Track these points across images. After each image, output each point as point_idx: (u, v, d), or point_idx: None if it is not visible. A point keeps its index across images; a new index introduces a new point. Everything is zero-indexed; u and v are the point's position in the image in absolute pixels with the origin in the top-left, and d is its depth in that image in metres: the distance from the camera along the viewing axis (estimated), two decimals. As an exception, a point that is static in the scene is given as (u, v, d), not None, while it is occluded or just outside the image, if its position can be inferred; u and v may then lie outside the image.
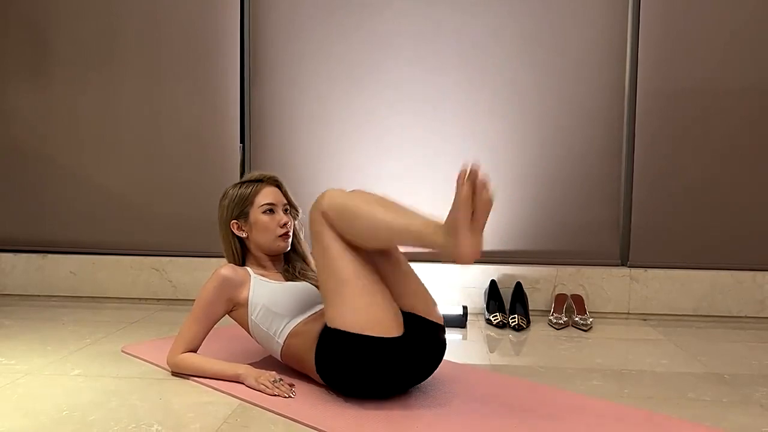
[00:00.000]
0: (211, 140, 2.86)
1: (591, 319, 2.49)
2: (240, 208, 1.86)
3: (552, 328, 2.47)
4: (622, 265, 2.75)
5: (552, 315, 2.53)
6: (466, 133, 2.79)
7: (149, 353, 2.02)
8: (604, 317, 2.65)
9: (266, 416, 1.53)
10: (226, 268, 1.80)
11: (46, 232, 2.94)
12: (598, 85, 2.74)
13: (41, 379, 1.79)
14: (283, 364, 1.80)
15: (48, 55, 2.91)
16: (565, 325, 2.48)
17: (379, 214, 1.51)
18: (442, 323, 1.67)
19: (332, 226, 1.57)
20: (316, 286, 1.83)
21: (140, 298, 2.84)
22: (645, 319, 2.65)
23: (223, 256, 1.92)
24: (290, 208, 1.92)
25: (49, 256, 2.89)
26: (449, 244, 1.39)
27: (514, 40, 2.76)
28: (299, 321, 1.73)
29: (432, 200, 2.77)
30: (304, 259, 1.94)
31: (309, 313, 1.75)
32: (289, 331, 1.72)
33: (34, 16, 2.90)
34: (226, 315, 1.83)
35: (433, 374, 1.70)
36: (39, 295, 2.88)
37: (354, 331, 1.52)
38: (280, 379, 1.66)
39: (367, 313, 1.53)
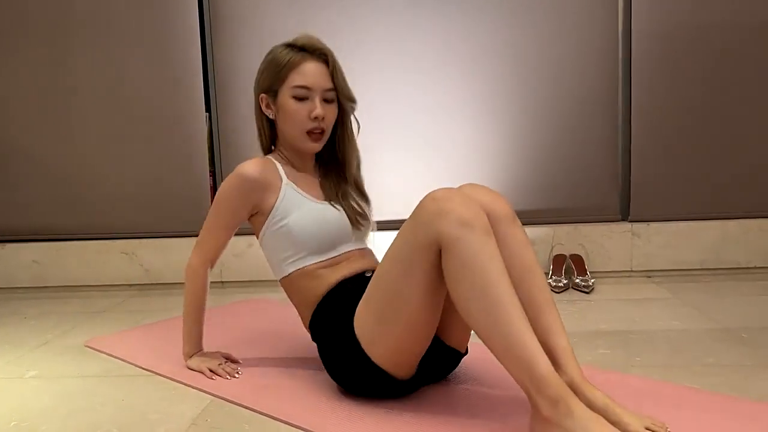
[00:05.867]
0: (174, 111, 2.64)
1: (593, 280, 2.33)
2: (270, 81, 1.48)
3: (552, 292, 2.31)
4: (623, 220, 2.58)
5: (551, 278, 2.37)
6: (454, 87, 2.58)
7: (115, 347, 1.85)
8: (606, 277, 2.50)
9: (240, 414, 1.36)
10: (250, 164, 1.47)
11: (4, 220, 2.73)
12: (590, 30, 2.53)
13: (-8, 384, 1.61)
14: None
15: (-10, 27, 2.66)
16: (566, 288, 2.32)
17: (511, 309, 1.13)
18: (466, 351, 1.46)
19: (437, 251, 1.19)
20: (352, 219, 1.51)
21: (110, 285, 2.65)
22: (649, 277, 2.50)
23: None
24: (339, 96, 1.49)
25: (8, 245, 2.69)
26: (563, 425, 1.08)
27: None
28: (316, 261, 1.46)
29: (421, 165, 2.60)
30: (346, 169, 1.55)
31: (330, 255, 1.47)
32: (300, 266, 1.47)
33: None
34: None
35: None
36: (0, 288, 2.69)
37: (370, 356, 1.30)
38: (226, 361, 1.57)
39: (396, 354, 1.29)
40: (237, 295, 2.45)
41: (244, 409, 1.38)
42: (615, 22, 2.52)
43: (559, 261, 2.44)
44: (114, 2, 2.61)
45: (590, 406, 1.15)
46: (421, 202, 1.22)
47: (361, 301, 1.33)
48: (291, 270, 1.48)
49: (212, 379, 1.54)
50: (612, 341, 1.75)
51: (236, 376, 1.55)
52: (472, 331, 1.26)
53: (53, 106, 2.68)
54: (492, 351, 1.17)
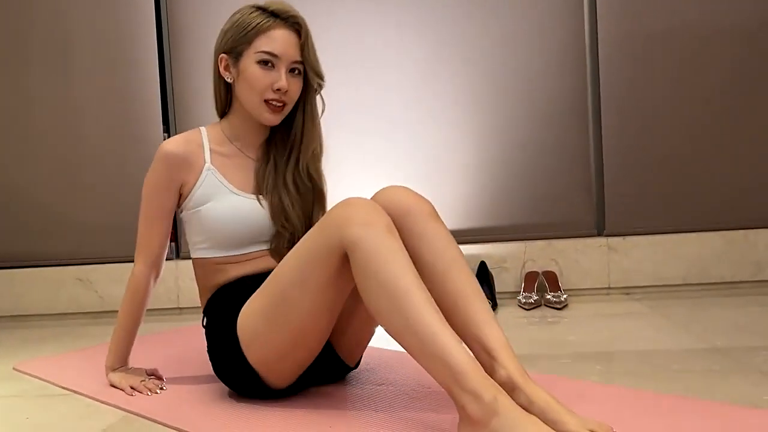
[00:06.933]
0: (131, 133, 2.56)
1: (565, 296, 2.19)
2: (234, 43, 1.34)
3: (522, 309, 2.17)
4: (598, 234, 2.44)
5: (521, 295, 2.23)
6: (423, 102, 2.50)
7: (43, 369, 1.73)
8: (582, 294, 2.35)
9: (150, 428, 1.23)
10: (172, 140, 1.38)
11: (-44, 248, 2.63)
12: (558, 43, 2.45)
13: None
14: None
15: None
16: (537, 305, 2.19)
17: (419, 302, 1.03)
18: (355, 366, 1.40)
19: (339, 258, 1.13)
20: (277, 219, 1.37)
21: (64, 313, 2.53)
22: (628, 293, 2.35)
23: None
24: (307, 70, 1.36)
25: (-41, 274, 2.59)
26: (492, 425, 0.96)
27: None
28: (221, 255, 1.36)
29: (388, 181, 2.49)
30: (300, 155, 1.39)
31: (237, 253, 1.36)
32: (204, 256, 1.38)
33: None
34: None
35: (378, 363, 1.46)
36: (-49, 319, 2.57)
37: (247, 356, 1.23)
38: (150, 377, 1.46)
39: (275, 360, 1.23)
40: (194, 321, 2.32)
41: (156, 424, 1.25)
42: (582, 32, 2.45)
43: (531, 278, 2.31)
44: (70, 26, 2.57)
45: (530, 404, 1.02)
46: (331, 209, 1.17)
47: (249, 299, 1.24)
48: (196, 255, 1.41)
49: (131, 395, 1.41)
50: (577, 354, 1.60)
51: (158, 392, 1.41)
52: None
53: (6, 129, 2.61)
54: (407, 351, 1.07)
